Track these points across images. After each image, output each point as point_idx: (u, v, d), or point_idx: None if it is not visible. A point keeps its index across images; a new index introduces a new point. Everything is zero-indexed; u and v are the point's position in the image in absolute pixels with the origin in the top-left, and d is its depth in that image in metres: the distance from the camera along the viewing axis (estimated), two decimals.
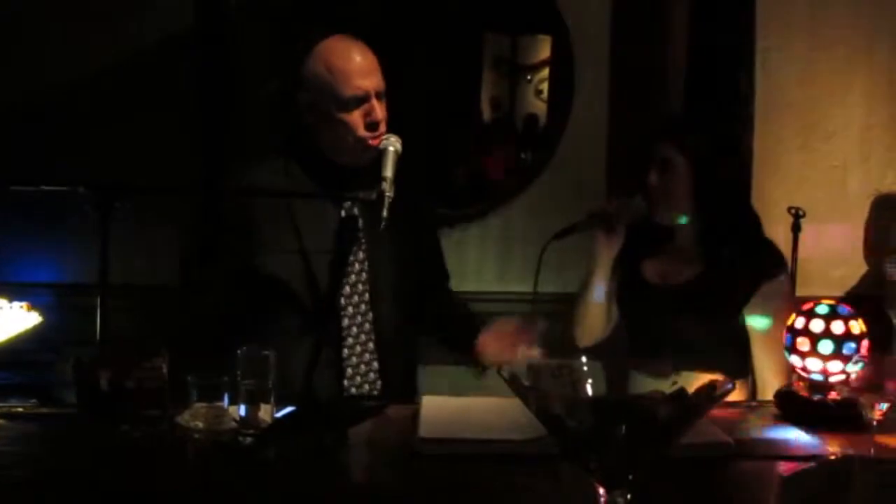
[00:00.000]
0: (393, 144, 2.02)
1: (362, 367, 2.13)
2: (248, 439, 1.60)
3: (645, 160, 2.29)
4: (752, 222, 2.31)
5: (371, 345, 2.14)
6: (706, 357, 2.12)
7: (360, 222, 2.14)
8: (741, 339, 2.26)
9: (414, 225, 2.19)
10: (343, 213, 2.14)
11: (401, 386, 2.17)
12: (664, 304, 2.27)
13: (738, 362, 2.25)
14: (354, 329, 2.12)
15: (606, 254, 2.32)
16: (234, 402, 1.64)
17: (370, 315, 2.14)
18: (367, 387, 2.13)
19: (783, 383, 2.12)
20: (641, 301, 2.32)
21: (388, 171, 1.98)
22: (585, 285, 2.36)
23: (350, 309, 2.13)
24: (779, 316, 2.13)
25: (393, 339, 2.16)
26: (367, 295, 2.14)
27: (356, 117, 2.06)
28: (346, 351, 2.12)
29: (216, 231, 2.32)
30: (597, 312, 2.36)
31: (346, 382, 2.11)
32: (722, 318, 2.26)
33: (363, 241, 2.15)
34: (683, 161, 2.24)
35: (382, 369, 2.15)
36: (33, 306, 2.01)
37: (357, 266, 2.14)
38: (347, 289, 2.13)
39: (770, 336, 2.21)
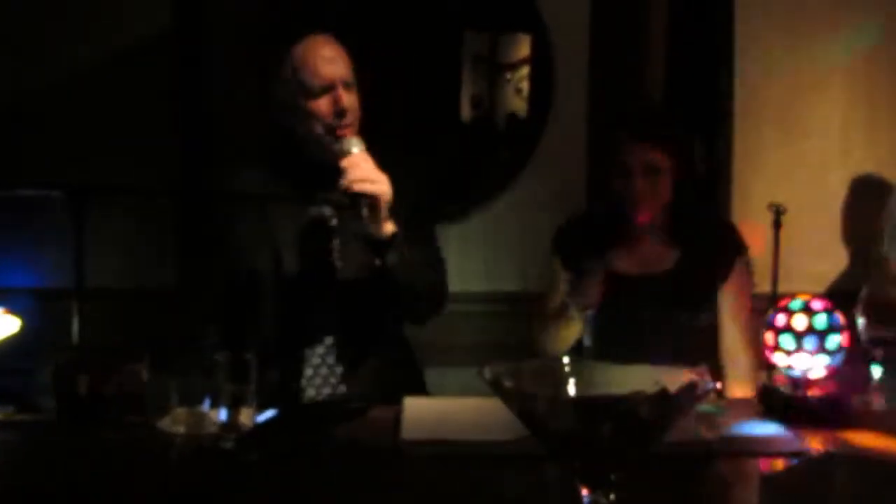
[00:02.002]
0: (355, 145, 2.00)
1: (324, 369, 2.12)
2: (230, 443, 1.58)
3: (618, 162, 2.26)
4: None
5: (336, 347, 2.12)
6: (685, 345, 2.20)
7: (335, 222, 2.14)
8: (713, 322, 2.30)
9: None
10: (314, 214, 2.13)
11: (377, 389, 2.12)
12: (647, 294, 2.26)
13: (711, 347, 2.29)
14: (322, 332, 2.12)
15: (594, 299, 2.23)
16: (214, 406, 1.63)
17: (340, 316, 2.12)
18: (328, 389, 2.11)
19: (755, 358, 2.22)
20: (622, 294, 2.25)
21: None
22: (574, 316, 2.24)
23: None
24: (746, 291, 2.32)
25: (367, 341, 2.15)
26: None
27: (323, 106, 2.05)
28: (307, 352, 2.11)
29: (204, 234, 2.32)
30: (575, 332, 2.28)
31: (303, 382, 2.10)
32: (703, 302, 2.29)
33: (336, 241, 2.14)
34: (669, 164, 2.25)
35: (349, 372, 2.13)
36: (11, 311, 1.98)
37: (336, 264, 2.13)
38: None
39: (740, 310, 2.30)
